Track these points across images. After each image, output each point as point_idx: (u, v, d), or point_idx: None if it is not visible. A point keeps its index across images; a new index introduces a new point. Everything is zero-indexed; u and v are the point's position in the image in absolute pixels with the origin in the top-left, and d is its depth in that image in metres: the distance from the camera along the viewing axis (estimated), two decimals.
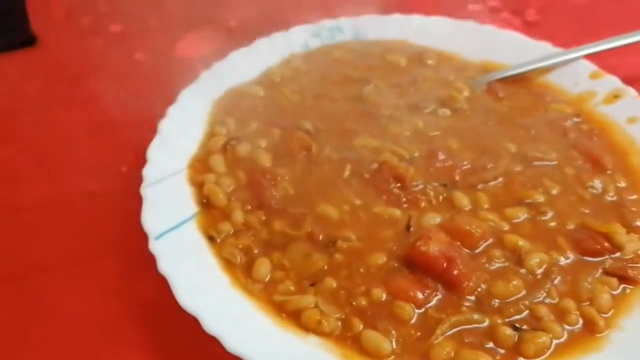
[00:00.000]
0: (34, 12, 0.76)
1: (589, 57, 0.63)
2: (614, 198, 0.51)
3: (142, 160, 0.51)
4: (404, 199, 0.50)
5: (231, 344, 0.39)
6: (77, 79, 0.68)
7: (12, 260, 0.50)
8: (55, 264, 0.50)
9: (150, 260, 0.44)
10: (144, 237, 0.46)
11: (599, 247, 0.47)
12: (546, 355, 0.41)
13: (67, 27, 0.76)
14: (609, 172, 0.53)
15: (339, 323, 0.42)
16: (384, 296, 0.44)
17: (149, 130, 0.54)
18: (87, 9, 0.78)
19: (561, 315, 0.43)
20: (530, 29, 0.69)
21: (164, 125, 0.55)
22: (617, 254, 0.47)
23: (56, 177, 0.57)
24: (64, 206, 0.54)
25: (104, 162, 0.58)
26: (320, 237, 0.47)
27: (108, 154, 0.59)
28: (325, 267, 0.46)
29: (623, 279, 0.45)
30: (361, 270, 0.45)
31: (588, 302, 0.44)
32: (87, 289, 0.48)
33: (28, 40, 0.72)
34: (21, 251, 0.51)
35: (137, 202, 0.48)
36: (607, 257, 0.47)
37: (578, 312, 0.43)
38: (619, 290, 0.45)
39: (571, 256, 0.46)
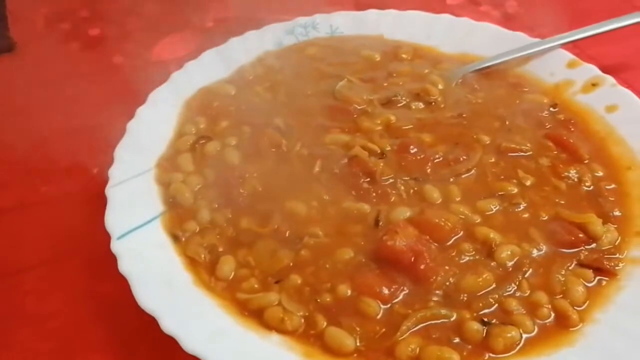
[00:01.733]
0: (13, 19, 0.76)
1: (567, 47, 0.61)
2: (591, 188, 0.50)
3: (112, 162, 0.51)
4: (374, 194, 0.49)
5: (189, 344, 0.38)
6: (55, 84, 0.68)
7: None
8: (26, 265, 0.49)
9: (114, 260, 0.44)
10: (110, 238, 0.45)
11: (573, 238, 0.45)
12: (516, 350, 0.40)
13: (47, 32, 0.76)
14: (585, 161, 0.52)
15: (303, 321, 0.41)
16: (350, 292, 0.43)
17: (123, 133, 0.54)
18: (67, 14, 0.78)
19: (532, 308, 0.42)
20: (510, 21, 0.68)
21: (132, 126, 0.54)
22: (593, 245, 0.45)
23: (31, 180, 0.57)
24: (37, 209, 0.54)
25: (77, 165, 0.58)
26: (287, 234, 0.46)
27: (82, 156, 0.59)
28: (291, 264, 0.45)
29: (599, 270, 0.44)
30: (327, 266, 0.44)
31: (561, 295, 0.42)
32: (56, 290, 0.48)
33: (7, 46, 0.72)
34: None
35: (104, 202, 0.47)
36: (582, 248, 0.45)
37: (550, 306, 0.42)
38: (594, 283, 0.43)
39: (544, 248, 0.45)
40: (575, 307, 0.42)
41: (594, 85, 0.58)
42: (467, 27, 0.66)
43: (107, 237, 0.45)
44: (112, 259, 0.44)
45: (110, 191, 0.48)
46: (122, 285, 0.43)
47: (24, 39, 0.74)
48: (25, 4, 0.79)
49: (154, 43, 0.73)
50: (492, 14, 0.75)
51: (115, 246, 0.44)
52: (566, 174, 0.50)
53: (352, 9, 0.71)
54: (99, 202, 0.49)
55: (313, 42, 0.66)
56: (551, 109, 0.57)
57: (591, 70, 0.59)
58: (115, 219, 0.46)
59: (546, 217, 0.47)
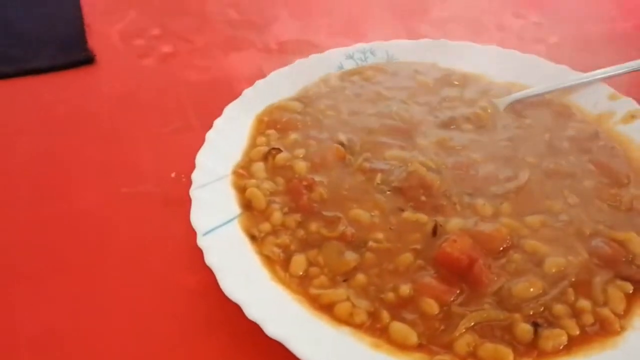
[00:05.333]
0: (90, 34, 0.83)
1: (606, 80, 0.67)
2: (630, 209, 0.54)
3: (188, 167, 0.56)
4: (431, 206, 0.54)
5: (271, 329, 0.43)
6: (131, 95, 0.74)
7: (75, 254, 0.54)
8: (111, 257, 0.54)
9: (196, 255, 0.49)
10: (190, 235, 0.50)
11: (614, 253, 0.50)
12: (563, 351, 0.44)
13: (122, 47, 0.82)
14: (625, 185, 0.56)
15: (369, 315, 0.46)
16: (411, 292, 0.47)
17: (196, 142, 0.59)
18: (140, 31, 0.85)
19: (577, 314, 0.46)
20: (552, 54, 0.73)
21: (211, 136, 0.60)
22: (633, 260, 0.50)
23: (113, 181, 0.62)
24: (119, 208, 0.59)
25: (154, 169, 0.63)
26: (353, 238, 0.51)
27: (159, 162, 0.64)
28: (357, 265, 0.49)
29: (637, 283, 0.48)
30: (390, 268, 0.49)
31: (603, 304, 0.47)
32: (139, 279, 0.52)
33: (87, 59, 0.78)
34: (84, 245, 0.55)
35: (184, 203, 0.53)
36: (622, 262, 0.50)
37: (593, 312, 0.46)
38: (632, 294, 0.47)
39: (587, 261, 0.49)
40: (617, 315, 0.46)
41: (632, 117, 0.63)
42: (515, 58, 0.72)
43: (186, 233, 0.50)
44: (192, 254, 0.49)
45: (194, 193, 0.53)
46: (201, 277, 0.49)
47: (101, 53, 0.80)
48: (100, 20, 0.86)
49: (221, 61, 0.79)
50: (535, 48, 0.80)
51: (201, 241, 0.49)
52: (607, 195, 0.55)
53: (405, 38, 0.77)
54: (178, 204, 0.54)
55: (371, 67, 0.72)
56: (594, 136, 0.62)
57: (630, 103, 0.64)
58: (200, 218, 0.51)
59: (589, 233, 0.52)
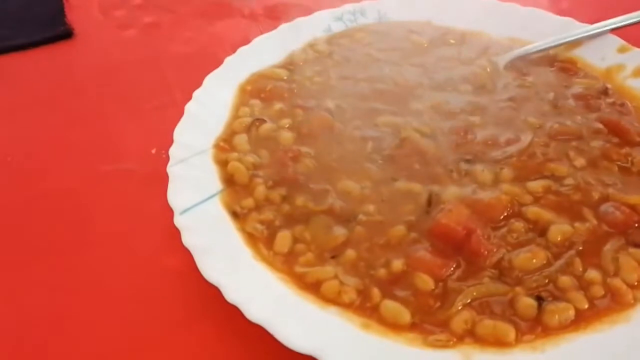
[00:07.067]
0: (69, 7, 0.80)
1: (615, 31, 0.62)
2: None
3: (169, 143, 0.53)
4: (425, 174, 0.50)
5: (251, 312, 0.40)
6: (112, 69, 0.71)
7: (54, 234, 0.52)
8: (92, 238, 0.52)
9: (177, 234, 0.45)
10: (171, 213, 0.47)
11: (625, 218, 0.46)
12: (570, 327, 0.40)
13: (103, 20, 0.79)
14: (637, 144, 0.52)
15: (359, 294, 0.43)
16: (404, 267, 0.44)
17: (178, 115, 0.56)
18: (121, 2, 0.81)
19: (586, 286, 0.42)
20: (556, 6, 0.69)
21: (190, 108, 0.56)
22: None
23: (91, 160, 0.60)
24: (99, 187, 0.57)
25: (136, 146, 0.60)
26: (341, 212, 0.48)
27: (140, 137, 0.61)
28: (346, 240, 0.46)
29: None
30: (381, 242, 0.46)
31: (613, 274, 0.43)
32: (120, 261, 0.50)
33: (65, 33, 0.76)
34: (63, 225, 0.53)
35: (164, 181, 0.50)
36: (635, 228, 0.46)
37: (603, 284, 0.42)
38: None
39: (596, 227, 0.46)
40: (628, 286, 0.42)
41: None
42: (515, 12, 0.67)
43: (167, 212, 0.47)
44: (171, 235, 0.46)
45: (171, 170, 0.50)
46: (182, 257, 0.45)
47: (81, 26, 0.77)
48: None
49: (205, 30, 0.76)
50: (538, 1, 0.75)
51: (179, 221, 0.46)
52: (617, 156, 0.51)
53: None
54: (159, 181, 0.51)
55: (362, 28, 0.68)
56: (602, 92, 0.57)
57: None
58: (177, 196, 0.48)
59: (597, 198, 0.48)
